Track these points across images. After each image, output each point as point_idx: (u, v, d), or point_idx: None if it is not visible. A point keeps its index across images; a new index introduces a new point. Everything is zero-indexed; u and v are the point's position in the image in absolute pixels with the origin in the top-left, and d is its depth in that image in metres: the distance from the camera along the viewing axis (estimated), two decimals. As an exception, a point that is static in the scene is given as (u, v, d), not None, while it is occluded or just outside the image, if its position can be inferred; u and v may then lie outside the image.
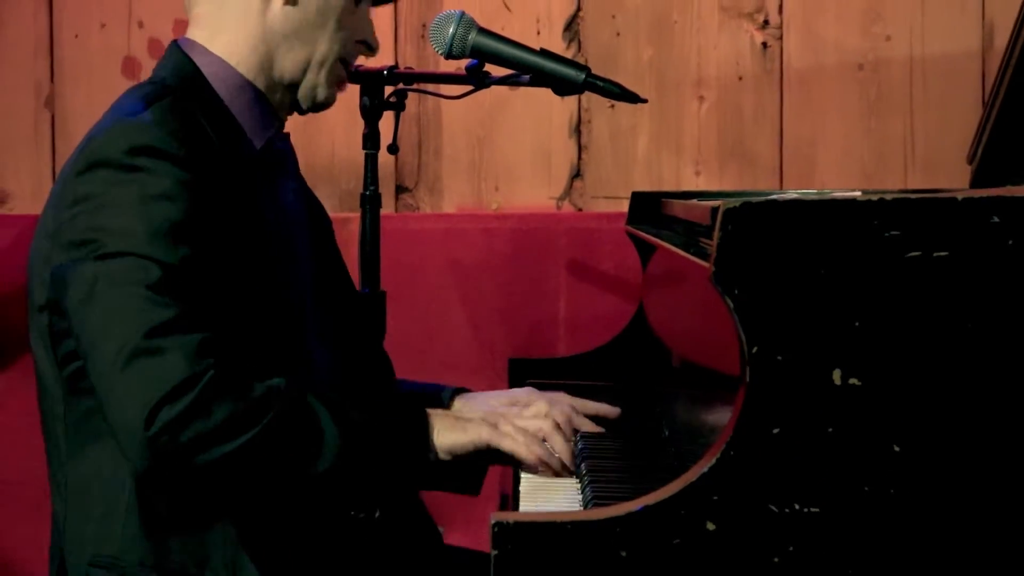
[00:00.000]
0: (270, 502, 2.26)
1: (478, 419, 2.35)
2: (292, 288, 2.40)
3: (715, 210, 1.86)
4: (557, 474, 2.34)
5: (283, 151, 2.48)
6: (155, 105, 2.26)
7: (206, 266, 2.19)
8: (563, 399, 2.59)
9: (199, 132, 2.28)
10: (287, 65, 2.41)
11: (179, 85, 2.35)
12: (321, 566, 2.31)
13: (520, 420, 2.40)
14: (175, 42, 2.43)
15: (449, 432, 2.29)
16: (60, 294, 2.22)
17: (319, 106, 2.48)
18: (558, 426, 2.42)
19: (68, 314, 2.21)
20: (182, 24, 3.88)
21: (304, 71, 2.42)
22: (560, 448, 2.37)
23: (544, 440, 2.37)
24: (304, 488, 2.21)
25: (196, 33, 2.42)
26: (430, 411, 2.32)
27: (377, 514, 2.47)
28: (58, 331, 2.26)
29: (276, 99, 2.45)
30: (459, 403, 2.65)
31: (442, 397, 2.66)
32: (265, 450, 2.14)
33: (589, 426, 2.58)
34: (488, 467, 2.37)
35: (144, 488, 2.24)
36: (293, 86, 2.43)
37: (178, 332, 2.11)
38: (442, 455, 2.29)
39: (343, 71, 2.47)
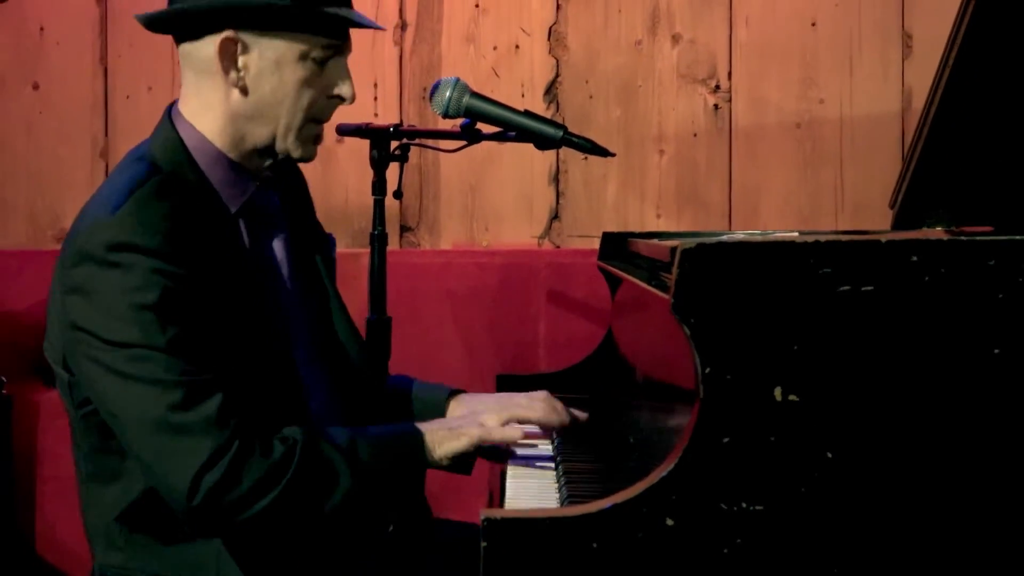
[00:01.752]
0: (289, 536, 2.24)
1: (467, 423, 2.34)
2: (277, 322, 2.35)
3: (674, 249, 1.85)
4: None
5: (265, 206, 2.40)
6: (136, 194, 2.18)
7: (198, 336, 2.14)
8: (543, 393, 2.58)
9: (176, 211, 2.20)
10: (256, 139, 2.31)
11: (165, 160, 2.27)
12: (310, 550, 2.28)
13: (498, 410, 2.42)
14: (168, 111, 2.35)
15: (446, 442, 2.27)
16: (73, 364, 2.21)
17: (299, 160, 2.38)
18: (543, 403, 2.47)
19: (83, 382, 2.20)
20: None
21: (273, 140, 2.31)
22: (546, 414, 2.43)
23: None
24: (323, 522, 2.19)
25: (184, 106, 2.33)
26: (425, 428, 2.29)
27: (391, 528, 2.46)
28: (73, 383, 2.24)
29: (252, 165, 2.34)
30: (453, 403, 2.62)
31: (439, 399, 2.63)
32: (289, 500, 2.13)
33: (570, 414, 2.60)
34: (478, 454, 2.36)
35: (144, 513, 2.23)
36: (268, 149, 2.33)
37: (195, 405, 2.10)
38: (443, 463, 2.28)
39: (316, 129, 2.35)
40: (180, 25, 2.29)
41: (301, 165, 2.47)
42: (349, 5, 2.35)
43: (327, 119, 2.37)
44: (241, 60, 2.26)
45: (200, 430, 2.09)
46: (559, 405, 2.51)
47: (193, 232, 2.20)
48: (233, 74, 2.27)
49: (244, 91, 2.28)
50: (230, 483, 2.08)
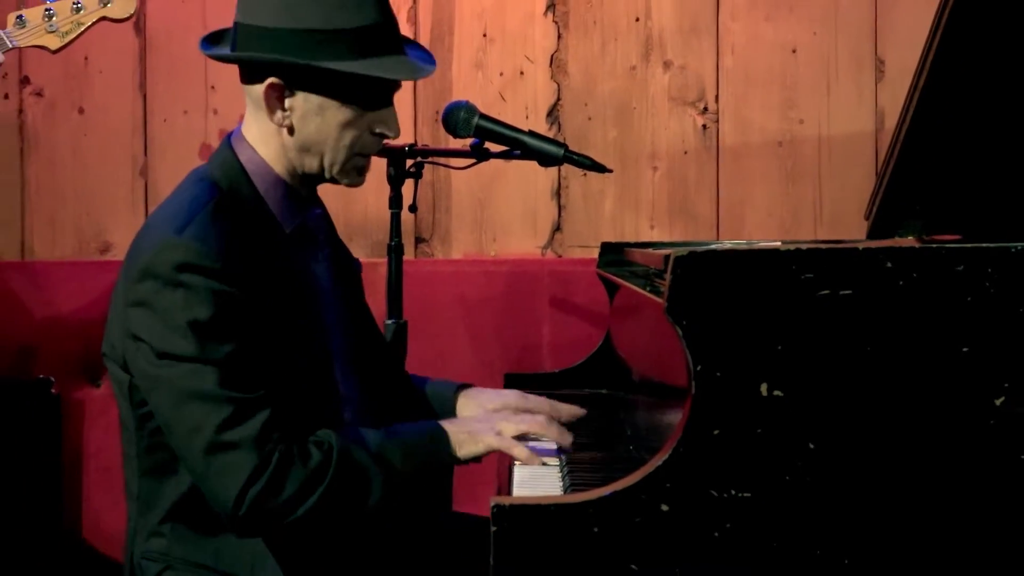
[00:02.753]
0: (325, 534, 2.24)
1: (485, 429, 2.31)
2: (322, 338, 2.34)
3: (667, 257, 1.85)
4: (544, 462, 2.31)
5: (314, 228, 2.39)
6: (199, 216, 2.18)
7: (250, 352, 2.14)
8: (543, 403, 2.54)
9: (237, 232, 2.20)
10: (307, 169, 2.30)
11: (225, 180, 2.27)
12: (324, 566, 2.28)
13: (513, 422, 2.37)
14: (229, 137, 2.34)
15: (466, 445, 2.26)
16: (133, 370, 2.20)
17: (348, 186, 2.38)
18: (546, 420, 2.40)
19: (141, 388, 2.20)
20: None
21: (322, 171, 2.31)
22: (555, 434, 2.34)
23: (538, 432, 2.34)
24: (356, 519, 2.20)
25: (246, 132, 2.32)
26: (448, 431, 2.27)
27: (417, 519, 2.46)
28: (133, 385, 2.23)
29: (306, 190, 2.35)
30: (462, 398, 2.59)
31: (448, 393, 2.61)
32: (326, 505, 2.12)
33: (569, 412, 2.54)
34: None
35: (189, 506, 2.23)
36: (319, 177, 2.33)
37: (241, 423, 2.09)
38: (462, 462, 2.29)
39: (361, 162, 2.33)
40: (239, 67, 2.30)
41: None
42: (400, 48, 2.33)
43: (373, 152, 2.35)
44: (287, 102, 2.25)
45: (246, 446, 2.08)
46: (563, 410, 2.48)
47: (250, 251, 2.21)
48: (279, 114, 2.26)
49: (291, 130, 2.27)
50: (273, 493, 2.09)
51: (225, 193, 2.24)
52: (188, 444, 2.11)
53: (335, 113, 2.26)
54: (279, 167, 2.30)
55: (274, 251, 2.27)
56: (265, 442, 2.09)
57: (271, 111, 2.25)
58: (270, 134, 2.28)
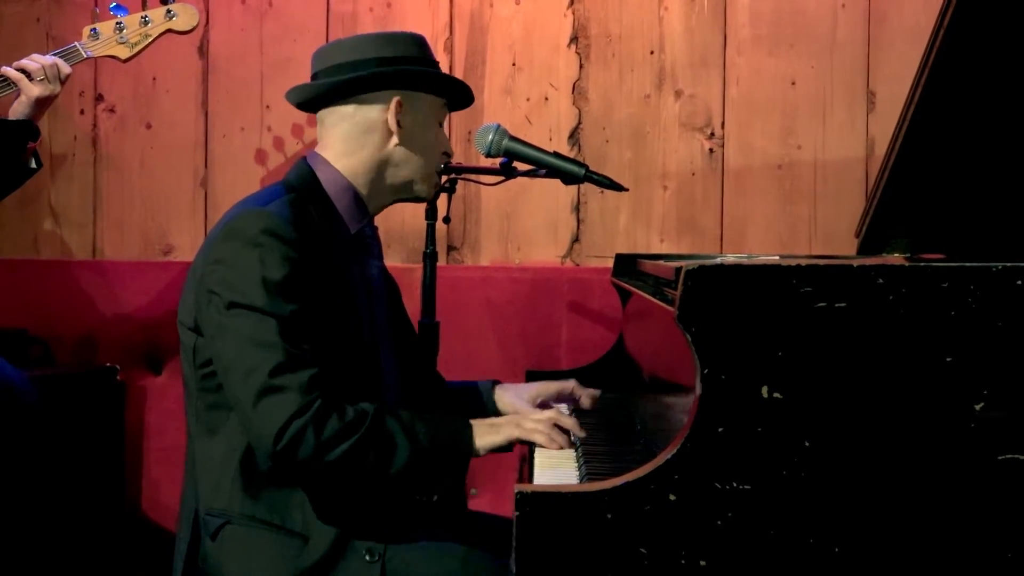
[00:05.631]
0: (355, 491, 2.25)
1: (507, 420, 2.33)
2: (372, 332, 2.38)
3: (679, 269, 1.84)
4: (562, 447, 2.32)
5: (371, 238, 2.47)
6: (283, 198, 2.28)
7: (310, 317, 2.18)
8: (572, 382, 2.73)
9: (309, 221, 2.28)
10: (395, 179, 2.42)
11: (299, 185, 2.36)
12: (368, 520, 2.28)
13: (536, 416, 2.38)
14: (304, 158, 2.43)
15: (486, 436, 2.28)
16: (201, 322, 2.24)
17: (420, 200, 2.51)
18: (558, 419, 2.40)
19: (206, 338, 2.23)
20: (298, 128, 3.91)
21: (410, 182, 2.43)
22: (569, 424, 2.35)
23: (556, 425, 2.34)
24: (382, 483, 2.21)
25: (323, 150, 2.42)
26: (472, 421, 2.29)
27: (435, 498, 2.46)
28: (198, 346, 2.26)
29: (373, 202, 2.43)
30: (498, 391, 2.66)
31: (482, 389, 2.66)
32: (355, 457, 2.14)
33: (590, 394, 2.71)
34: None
35: (245, 464, 2.24)
36: (398, 188, 2.44)
37: (292, 371, 2.12)
38: (482, 452, 2.29)
39: (436, 177, 2.49)
40: (339, 93, 2.39)
41: None
42: None
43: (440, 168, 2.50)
44: (404, 119, 2.40)
45: (293, 390, 2.11)
46: (569, 421, 2.45)
47: (319, 239, 2.27)
48: (398, 128, 2.39)
49: (402, 141, 2.40)
50: (310, 435, 2.10)
51: (299, 192, 2.33)
52: (243, 384, 2.13)
53: (433, 125, 2.44)
54: (356, 179, 2.40)
55: (339, 246, 2.33)
56: (311, 391, 2.12)
57: (391, 128, 2.38)
58: (364, 152, 2.39)
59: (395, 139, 2.39)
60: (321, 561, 2.21)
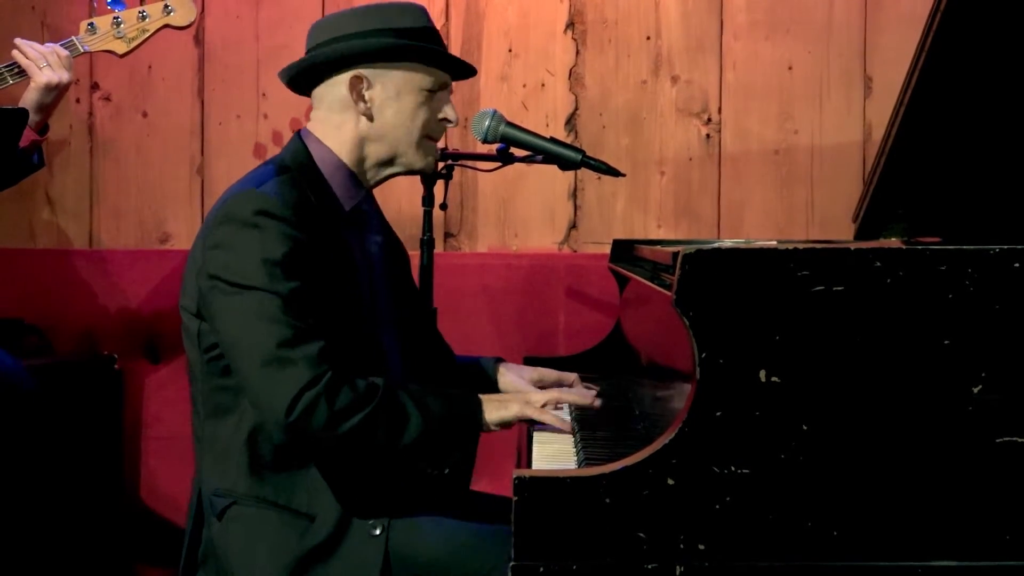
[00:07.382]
0: (366, 464, 2.26)
1: (514, 397, 2.36)
2: (372, 310, 2.39)
3: (676, 254, 1.84)
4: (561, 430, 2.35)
5: (369, 212, 2.48)
6: (276, 179, 2.28)
7: (311, 294, 2.19)
8: (571, 375, 2.70)
9: (305, 199, 2.28)
10: (376, 155, 2.40)
11: (293, 164, 2.35)
12: (374, 497, 2.28)
13: (542, 393, 2.44)
14: (299, 132, 2.42)
15: (495, 411, 2.28)
16: (205, 308, 2.24)
17: (418, 172, 2.46)
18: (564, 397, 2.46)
19: (210, 323, 2.23)
20: (296, 121, 3.91)
21: (391, 156, 2.40)
22: (577, 397, 2.41)
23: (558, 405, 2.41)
24: (393, 455, 2.21)
25: (314, 127, 2.41)
26: (482, 396, 2.30)
27: (446, 471, 2.47)
28: (203, 331, 2.27)
29: (367, 177, 2.42)
30: (502, 368, 2.66)
31: (485, 366, 2.67)
32: (368, 428, 2.15)
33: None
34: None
35: (251, 445, 2.25)
36: (385, 163, 2.41)
37: (300, 344, 2.13)
38: (492, 427, 2.29)
39: (431, 145, 2.43)
40: (315, 73, 2.38)
41: None
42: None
43: (439, 138, 2.45)
44: (367, 94, 2.35)
45: (302, 363, 2.12)
46: (577, 396, 2.50)
47: (315, 217, 2.27)
48: (361, 104, 2.35)
49: (370, 117, 2.36)
50: (323, 404, 2.11)
51: (293, 171, 2.33)
52: (249, 359, 2.14)
53: (409, 97, 2.37)
54: (344, 155, 2.38)
55: (334, 224, 2.33)
56: (320, 364, 2.13)
57: (355, 103, 2.35)
58: (343, 129, 2.37)
59: (363, 115, 2.36)
60: (327, 540, 2.22)
